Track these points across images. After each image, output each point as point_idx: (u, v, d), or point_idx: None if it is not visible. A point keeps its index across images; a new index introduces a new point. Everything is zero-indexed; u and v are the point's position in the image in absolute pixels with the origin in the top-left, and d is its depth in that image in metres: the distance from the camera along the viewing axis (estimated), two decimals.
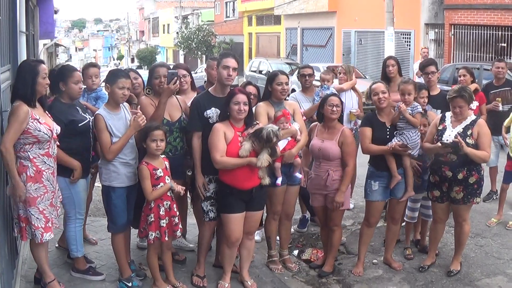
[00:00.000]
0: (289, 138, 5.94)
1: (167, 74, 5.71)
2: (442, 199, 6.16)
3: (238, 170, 5.38)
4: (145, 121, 5.45)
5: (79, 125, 5.53)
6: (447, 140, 5.86)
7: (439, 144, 5.88)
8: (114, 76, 5.45)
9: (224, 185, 5.52)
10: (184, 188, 5.65)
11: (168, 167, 5.52)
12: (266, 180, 5.50)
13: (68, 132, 5.38)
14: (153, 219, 5.38)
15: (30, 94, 4.91)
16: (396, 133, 6.10)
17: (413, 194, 6.29)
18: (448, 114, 6.10)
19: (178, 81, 5.75)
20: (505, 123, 7.95)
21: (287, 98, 6.56)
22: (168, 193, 5.46)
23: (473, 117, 6.02)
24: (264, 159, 5.33)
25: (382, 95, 6.09)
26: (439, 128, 6.08)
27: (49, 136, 4.96)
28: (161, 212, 5.39)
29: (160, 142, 5.36)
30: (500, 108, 8.39)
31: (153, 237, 5.40)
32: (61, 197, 5.36)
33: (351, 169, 6.00)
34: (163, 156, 5.55)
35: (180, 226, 5.63)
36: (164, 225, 5.42)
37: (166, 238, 5.46)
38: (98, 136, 5.40)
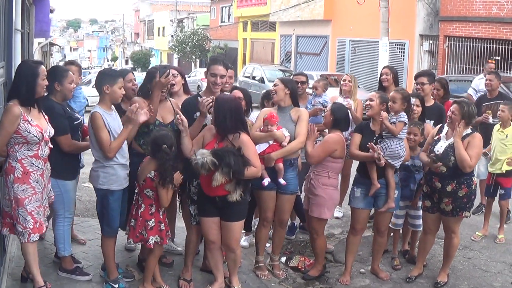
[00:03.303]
0: (271, 142, 5.93)
1: (159, 69, 5.74)
2: (432, 210, 6.19)
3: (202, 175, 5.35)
4: (146, 115, 5.47)
5: (74, 123, 5.56)
6: (437, 151, 5.95)
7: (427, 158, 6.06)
8: (113, 76, 5.45)
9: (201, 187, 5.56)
10: (181, 175, 5.53)
11: None
12: (233, 197, 5.35)
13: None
14: (154, 223, 5.38)
15: (31, 95, 4.93)
16: (379, 141, 6.13)
17: (393, 206, 6.19)
18: (446, 126, 6.16)
19: (170, 75, 5.78)
20: None
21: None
22: None
23: (469, 131, 6.03)
24: (216, 179, 5.21)
25: (368, 102, 6.14)
26: (435, 138, 6.16)
27: (38, 139, 4.94)
28: (160, 216, 5.42)
29: None
30: (490, 121, 8.44)
31: (153, 242, 5.39)
32: (52, 197, 5.35)
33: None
34: None
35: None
36: (164, 228, 5.43)
37: (167, 241, 5.52)
38: (97, 134, 5.27)
